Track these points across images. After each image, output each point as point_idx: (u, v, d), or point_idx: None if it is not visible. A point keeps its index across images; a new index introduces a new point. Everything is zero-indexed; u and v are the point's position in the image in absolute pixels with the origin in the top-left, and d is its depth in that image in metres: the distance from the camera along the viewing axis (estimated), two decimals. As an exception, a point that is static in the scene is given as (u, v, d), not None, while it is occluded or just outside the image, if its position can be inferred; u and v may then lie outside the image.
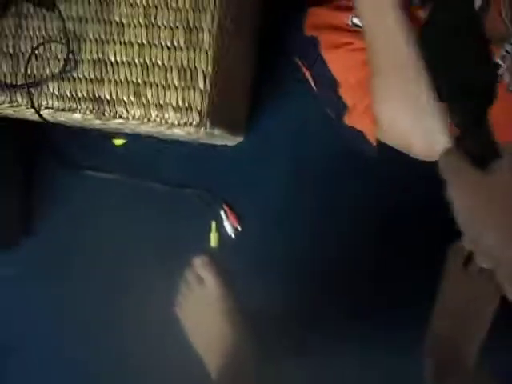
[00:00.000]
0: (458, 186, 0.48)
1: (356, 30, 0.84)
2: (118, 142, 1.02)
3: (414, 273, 1.01)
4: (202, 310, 0.90)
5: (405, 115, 0.75)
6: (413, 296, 1.00)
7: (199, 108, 0.68)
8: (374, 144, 0.82)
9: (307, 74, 0.93)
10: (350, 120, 0.84)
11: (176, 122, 0.69)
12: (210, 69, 0.67)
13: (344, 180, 1.04)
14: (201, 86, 0.67)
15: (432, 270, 0.95)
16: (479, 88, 0.46)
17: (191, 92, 0.68)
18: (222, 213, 1.06)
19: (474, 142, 0.48)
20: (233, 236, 1.06)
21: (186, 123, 0.68)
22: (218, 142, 0.94)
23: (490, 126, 0.48)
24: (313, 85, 0.93)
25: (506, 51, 0.80)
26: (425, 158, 0.78)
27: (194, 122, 0.68)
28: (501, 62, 0.81)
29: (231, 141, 0.98)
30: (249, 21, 0.90)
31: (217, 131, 0.77)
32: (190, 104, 0.68)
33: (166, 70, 0.68)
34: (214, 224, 1.06)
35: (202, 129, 0.70)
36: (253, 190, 1.05)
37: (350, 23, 0.86)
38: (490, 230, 0.46)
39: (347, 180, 1.04)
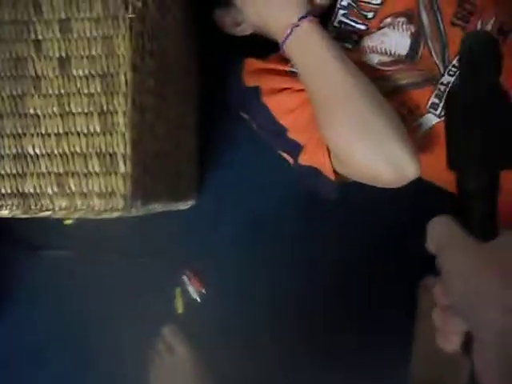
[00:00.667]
0: (457, 252, 0.46)
1: (295, 74, 0.83)
2: (68, 220, 1.00)
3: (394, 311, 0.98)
4: (174, 378, 0.90)
5: (362, 146, 0.74)
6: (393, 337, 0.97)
7: (123, 192, 0.66)
8: (333, 180, 0.81)
9: (254, 125, 0.92)
10: (304, 159, 0.83)
11: (102, 209, 0.67)
12: (128, 151, 0.66)
13: (306, 228, 1.02)
14: (122, 169, 0.66)
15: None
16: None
17: (113, 177, 0.66)
18: (185, 277, 1.04)
19: (480, 210, 0.46)
20: (198, 299, 1.04)
21: (112, 209, 0.66)
22: (167, 209, 0.92)
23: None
24: (261, 134, 0.92)
25: (438, 90, 0.79)
26: (394, 185, 0.76)
27: (120, 207, 0.66)
28: (437, 101, 0.80)
29: (182, 205, 0.96)
30: (180, 84, 0.89)
31: (153, 206, 0.75)
32: (113, 189, 0.66)
33: (86, 158, 0.67)
34: (178, 290, 1.03)
35: (132, 210, 0.68)
36: (213, 249, 1.03)
37: (288, 70, 0.85)
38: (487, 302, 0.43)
39: (309, 227, 1.02)
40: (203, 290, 1.02)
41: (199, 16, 0.94)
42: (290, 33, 0.76)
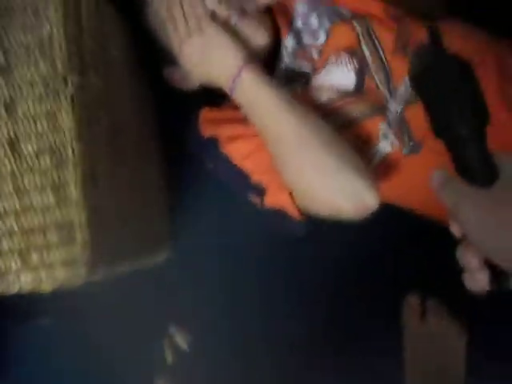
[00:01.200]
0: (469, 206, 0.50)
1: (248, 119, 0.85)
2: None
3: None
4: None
5: (319, 183, 0.76)
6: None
7: (84, 261, 0.67)
8: (299, 219, 0.82)
9: (218, 173, 0.94)
10: (268, 201, 0.84)
11: (67, 278, 0.68)
12: (84, 221, 0.67)
13: (286, 270, 1.03)
14: (79, 239, 0.67)
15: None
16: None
17: (72, 247, 0.67)
18: (172, 328, 1.04)
19: (475, 155, 0.50)
20: (187, 349, 1.04)
21: (76, 277, 0.68)
22: (139, 266, 0.93)
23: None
24: (227, 181, 0.94)
25: (387, 118, 0.81)
26: (357, 217, 0.78)
27: (83, 275, 0.68)
28: (387, 129, 0.81)
29: (154, 258, 0.97)
30: (139, 146, 0.91)
31: (120, 267, 0.76)
32: (74, 258, 0.68)
33: (45, 231, 0.68)
34: (166, 342, 1.04)
35: (97, 275, 0.69)
36: (196, 299, 1.04)
37: (242, 116, 0.87)
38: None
39: (288, 268, 1.03)
40: (190, 338, 1.03)
41: (151, 74, 0.97)
42: (234, 84, 0.78)
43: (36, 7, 0.69)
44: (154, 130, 1.02)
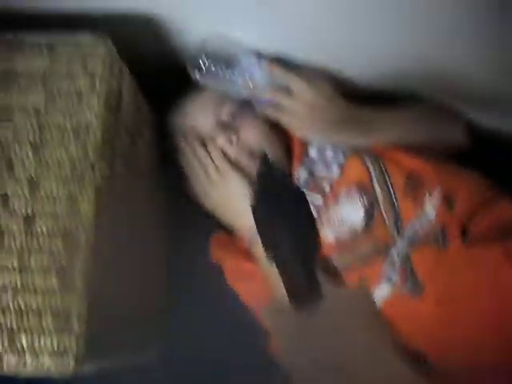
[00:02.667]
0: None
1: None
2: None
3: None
4: None
5: None
6: None
7: (75, 352, 0.65)
8: None
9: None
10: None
11: (53, 368, 0.65)
12: (84, 311, 0.66)
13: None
14: (76, 329, 0.65)
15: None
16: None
17: (66, 336, 0.65)
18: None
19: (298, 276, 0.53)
20: None
21: (63, 368, 0.65)
22: (131, 362, 0.90)
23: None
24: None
25: (392, 259, 0.81)
26: None
27: (71, 367, 0.65)
28: (390, 270, 0.81)
29: (146, 355, 0.94)
30: (148, 244, 0.91)
31: (111, 362, 0.74)
32: (65, 348, 0.65)
33: (41, 314, 0.66)
34: None
35: (85, 368, 0.67)
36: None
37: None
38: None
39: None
40: None
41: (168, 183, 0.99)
42: (251, 236, 0.80)
43: (80, 94, 0.71)
44: (164, 233, 1.03)
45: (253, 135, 0.89)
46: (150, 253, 0.94)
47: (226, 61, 0.86)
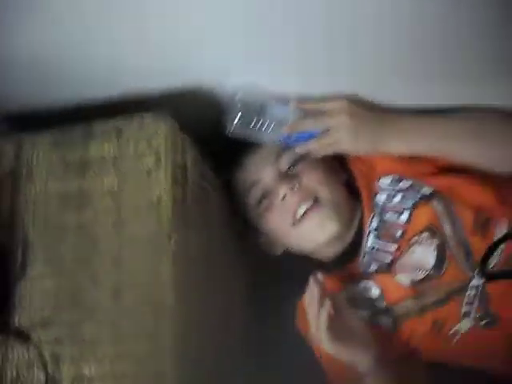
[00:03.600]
0: None
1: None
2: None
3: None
4: None
5: None
6: None
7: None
8: None
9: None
10: None
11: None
12: (175, 371, 0.71)
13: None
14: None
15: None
16: None
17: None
18: None
19: None
20: None
21: None
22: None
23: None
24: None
25: (469, 295, 0.83)
26: None
27: None
28: (468, 308, 0.83)
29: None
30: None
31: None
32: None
33: (136, 378, 0.72)
34: None
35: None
36: None
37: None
38: None
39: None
40: None
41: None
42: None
43: (149, 172, 0.78)
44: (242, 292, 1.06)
45: (314, 178, 0.92)
46: (230, 314, 0.97)
47: (258, 112, 0.90)
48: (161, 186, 0.77)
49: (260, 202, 0.92)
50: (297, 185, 0.90)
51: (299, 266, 0.97)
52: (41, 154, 0.85)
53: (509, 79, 0.85)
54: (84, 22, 0.74)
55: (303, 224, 0.89)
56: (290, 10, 0.73)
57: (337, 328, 0.81)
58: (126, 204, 0.78)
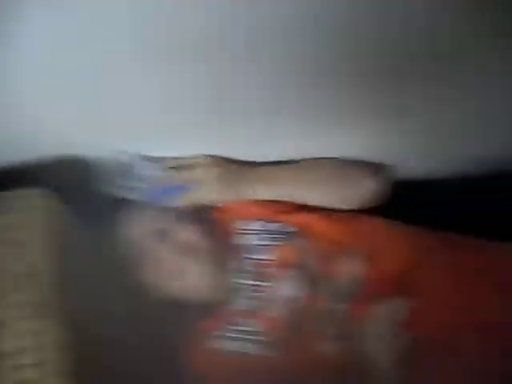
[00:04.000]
0: None
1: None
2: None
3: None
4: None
5: None
6: None
7: None
8: None
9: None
10: None
11: None
12: None
13: None
14: None
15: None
16: None
17: None
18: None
19: None
20: None
21: None
22: None
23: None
24: None
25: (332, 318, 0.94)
26: None
27: None
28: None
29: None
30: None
31: None
32: None
33: None
34: None
35: None
36: None
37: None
38: None
39: None
40: None
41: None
42: None
43: (23, 242, 0.85)
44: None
45: (189, 234, 1.02)
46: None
47: (129, 172, 1.01)
48: (36, 255, 0.84)
49: (141, 260, 1.00)
50: (175, 240, 0.99)
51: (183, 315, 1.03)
52: None
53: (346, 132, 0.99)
54: None
55: (187, 276, 1.00)
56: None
57: None
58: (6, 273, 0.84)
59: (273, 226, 1.02)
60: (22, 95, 0.82)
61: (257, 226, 1.03)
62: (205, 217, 1.06)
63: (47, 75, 0.79)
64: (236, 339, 0.97)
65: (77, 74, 0.78)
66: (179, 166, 1.02)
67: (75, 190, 0.97)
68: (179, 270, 0.99)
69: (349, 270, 0.96)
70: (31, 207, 0.88)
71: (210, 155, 1.02)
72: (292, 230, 1.01)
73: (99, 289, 0.96)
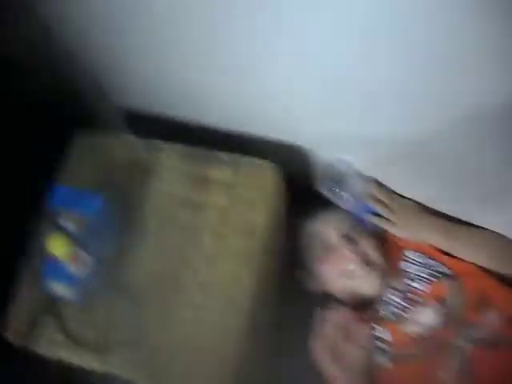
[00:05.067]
0: None
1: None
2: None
3: None
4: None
5: None
6: None
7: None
8: None
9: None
10: None
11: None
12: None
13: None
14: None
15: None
16: None
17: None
18: None
19: None
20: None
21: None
22: None
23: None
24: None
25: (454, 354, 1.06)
26: None
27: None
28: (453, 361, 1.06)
29: None
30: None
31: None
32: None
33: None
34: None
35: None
36: None
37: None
38: None
39: None
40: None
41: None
42: None
43: (253, 203, 1.02)
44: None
45: (368, 244, 1.17)
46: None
47: (341, 182, 1.17)
48: (261, 216, 1.02)
49: (322, 251, 1.17)
50: (355, 246, 1.15)
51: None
52: (170, 161, 1.09)
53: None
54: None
55: (357, 279, 1.14)
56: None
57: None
58: (231, 221, 1.02)
59: (434, 263, 1.14)
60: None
61: (421, 259, 1.16)
62: (383, 237, 1.20)
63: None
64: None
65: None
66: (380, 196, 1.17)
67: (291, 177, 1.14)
68: (354, 272, 1.14)
69: (489, 322, 1.06)
70: (264, 177, 1.05)
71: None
72: (449, 272, 1.13)
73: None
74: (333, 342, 1.07)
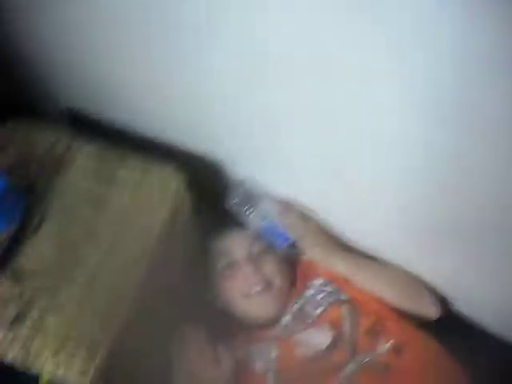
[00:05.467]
0: None
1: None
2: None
3: None
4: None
5: None
6: None
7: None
8: None
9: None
10: None
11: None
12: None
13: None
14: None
15: None
16: None
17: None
18: None
19: None
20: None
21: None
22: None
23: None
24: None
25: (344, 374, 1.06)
26: None
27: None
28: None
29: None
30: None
31: None
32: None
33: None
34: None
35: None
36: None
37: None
38: None
39: None
40: None
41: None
42: None
43: (153, 202, 1.05)
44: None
45: (273, 267, 1.20)
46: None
47: (252, 201, 1.21)
48: (159, 216, 1.04)
49: (225, 268, 1.19)
50: (259, 268, 1.17)
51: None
52: (83, 157, 1.13)
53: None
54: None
55: (253, 300, 1.16)
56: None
57: None
58: (128, 220, 1.04)
59: (333, 289, 1.16)
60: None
61: (321, 282, 1.18)
62: (292, 259, 1.24)
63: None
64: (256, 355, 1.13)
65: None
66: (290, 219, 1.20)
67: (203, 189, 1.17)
68: (249, 292, 1.16)
69: (380, 349, 1.07)
70: (169, 180, 1.09)
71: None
72: (347, 297, 1.15)
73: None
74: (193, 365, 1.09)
